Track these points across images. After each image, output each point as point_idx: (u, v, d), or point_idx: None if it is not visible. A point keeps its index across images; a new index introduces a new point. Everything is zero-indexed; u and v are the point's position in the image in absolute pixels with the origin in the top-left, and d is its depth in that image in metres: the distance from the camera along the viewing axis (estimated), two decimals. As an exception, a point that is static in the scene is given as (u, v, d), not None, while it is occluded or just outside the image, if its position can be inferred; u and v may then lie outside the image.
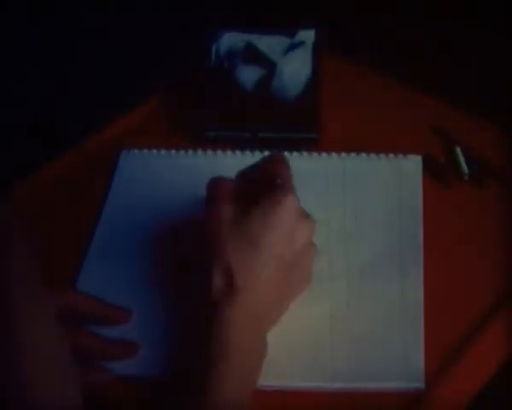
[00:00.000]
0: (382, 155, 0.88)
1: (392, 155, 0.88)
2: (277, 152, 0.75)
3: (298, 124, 0.92)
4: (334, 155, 0.89)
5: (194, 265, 0.74)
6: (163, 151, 0.92)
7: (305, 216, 0.70)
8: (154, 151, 0.92)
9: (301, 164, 0.89)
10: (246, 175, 0.73)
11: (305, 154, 0.90)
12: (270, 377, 0.69)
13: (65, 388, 0.56)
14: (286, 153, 0.90)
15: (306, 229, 0.70)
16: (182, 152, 0.92)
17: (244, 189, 0.72)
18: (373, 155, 0.88)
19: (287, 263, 0.69)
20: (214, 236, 0.69)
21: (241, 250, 0.67)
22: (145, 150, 0.92)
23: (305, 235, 0.70)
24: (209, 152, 0.91)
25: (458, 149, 0.88)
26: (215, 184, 0.73)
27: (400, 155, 0.88)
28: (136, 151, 0.92)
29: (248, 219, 0.68)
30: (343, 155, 0.89)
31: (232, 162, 0.90)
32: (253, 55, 0.92)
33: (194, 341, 0.68)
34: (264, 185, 0.70)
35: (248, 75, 0.92)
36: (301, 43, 0.94)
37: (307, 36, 0.95)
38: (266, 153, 0.90)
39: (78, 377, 0.57)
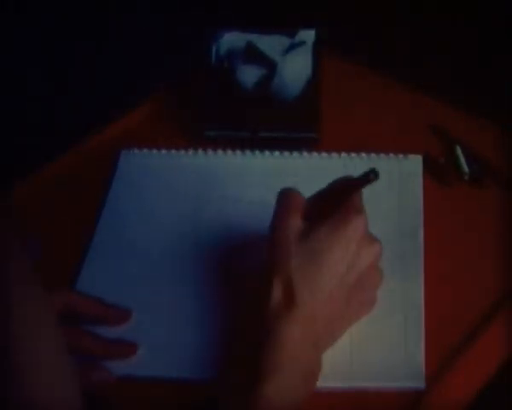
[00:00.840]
0: (382, 155, 0.88)
1: (392, 155, 0.88)
2: (347, 176, 0.73)
3: (298, 124, 0.92)
4: (334, 155, 0.89)
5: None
6: (163, 151, 0.92)
7: (372, 238, 0.69)
8: (154, 151, 0.92)
9: (301, 164, 0.89)
10: (318, 195, 0.72)
11: (305, 154, 0.90)
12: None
13: (64, 387, 0.56)
14: (285, 153, 0.90)
15: (372, 251, 0.69)
16: (182, 152, 0.92)
17: (315, 206, 0.70)
18: (373, 155, 0.88)
19: (349, 283, 0.67)
20: (280, 248, 0.68)
21: (304, 266, 0.66)
22: (145, 150, 0.92)
23: (372, 257, 0.69)
24: (209, 152, 0.91)
25: (458, 149, 0.88)
26: (287, 195, 0.71)
27: (400, 155, 0.88)
28: (136, 151, 0.92)
29: (315, 235, 0.67)
30: (343, 155, 0.89)
31: (232, 162, 0.90)
32: (253, 55, 0.92)
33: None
34: (334, 204, 0.69)
35: (248, 75, 0.92)
36: (301, 43, 0.94)
37: (307, 36, 0.95)
38: (266, 153, 0.90)
39: (77, 377, 0.57)
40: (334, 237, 0.67)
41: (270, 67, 0.91)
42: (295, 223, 0.68)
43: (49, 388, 0.54)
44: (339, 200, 0.69)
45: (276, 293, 0.66)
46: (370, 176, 0.69)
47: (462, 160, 0.87)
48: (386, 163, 0.87)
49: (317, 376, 0.67)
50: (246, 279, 0.75)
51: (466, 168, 0.86)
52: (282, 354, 0.64)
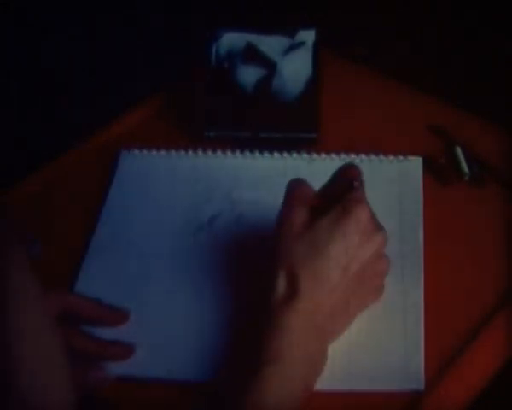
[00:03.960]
0: (382, 157, 0.88)
1: (392, 157, 0.88)
2: (350, 162, 0.74)
3: (298, 124, 0.92)
4: (333, 156, 0.89)
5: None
6: (163, 151, 0.92)
7: (377, 227, 0.69)
8: (154, 151, 0.92)
9: (301, 165, 0.89)
10: (326, 186, 0.73)
11: (304, 155, 0.90)
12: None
13: (58, 389, 0.56)
14: (285, 154, 0.90)
15: (377, 240, 0.69)
16: (182, 152, 0.92)
17: (322, 197, 0.71)
18: (373, 157, 0.88)
19: (354, 274, 0.68)
20: (284, 239, 0.68)
21: (307, 257, 0.67)
22: (145, 150, 0.92)
23: (375, 246, 0.69)
24: (209, 152, 0.91)
25: (458, 149, 0.88)
26: (295, 185, 0.72)
27: (400, 157, 0.88)
28: (136, 151, 0.92)
29: (318, 227, 0.67)
30: (343, 156, 0.89)
31: (232, 162, 0.90)
32: (253, 55, 0.92)
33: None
34: (338, 193, 0.70)
35: (248, 75, 0.92)
36: (301, 44, 0.94)
37: (307, 36, 0.95)
38: (266, 154, 0.90)
39: (71, 379, 0.57)
40: (336, 228, 0.67)
41: (270, 67, 0.91)
42: (300, 215, 0.69)
43: (43, 390, 0.54)
44: (341, 191, 0.70)
45: (280, 283, 0.67)
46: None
47: (462, 160, 0.87)
48: (385, 165, 0.87)
49: (320, 367, 0.67)
50: (247, 277, 0.76)
51: (466, 169, 0.86)
52: (283, 342, 0.65)
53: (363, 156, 0.88)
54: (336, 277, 0.67)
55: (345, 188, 0.70)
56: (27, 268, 0.57)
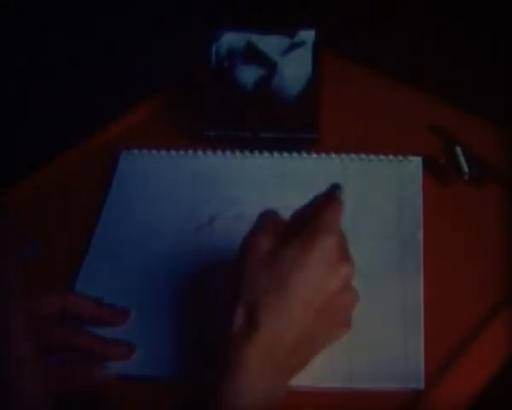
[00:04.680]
0: (382, 157, 0.88)
1: (391, 157, 0.88)
2: (332, 192, 0.70)
3: (298, 124, 0.92)
4: (333, 156, 0.89)
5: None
6: (163, 151, 0.92)
7: (344, 257, 0.66)
8: (154, 151, 0.92)
9: (300, 165, 0.89)
10: (297, 213, 0.70)
11: (304, 155, 0.90)
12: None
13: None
14: (285, 154, 0.90)
15: (342, 272, 0.66)
16: (182, 152, 0.92)
17: (290, 227, 0.68)
18: (372, 157, 0.88)
19: (316, 307, 0.65)
20: (245, 272, 0.66)
21: (268, 290, 0.64)
22: (145, 150, 0.92)
23: (341, 278, 0.66)
24: (209, 152, 0.91)
25: (458, 149, 0.88)
26: (265, 214, 0.69)
27: (400, 157, 0.88)
28: (136, 151, 0.92)
29: (281, 256, 0.65)
30: (343, 155, 0.89)
31: (231, 163, 0.90)
32: (253, 55, 0.92)
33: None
34: (307, 223, 0.67)
35: (248, 75, 0.92)
36: (301, 43, 0.94)
37: (307, 36, 0.95)
38: (266, 154, 0.90)
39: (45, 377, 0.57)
40: (299, 258, 0.64)
41: (270, 67, 0.91)
42: (263, 245, 0.66)
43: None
44: (309, 217, 0.67)
45: (238, 319, 0.64)
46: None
47: (462, 160, 0.87)
48: (385, 165, 0.87)
49: (280, 402, 0.64)
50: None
51: (466, 168, 0.86)
52: (240, 383, 0.62)
53: (362, 156, 0.88)
54: (298, 310, 0.64)
55: (317, 212, 0.67)
56: (19, 269, 0.57)
